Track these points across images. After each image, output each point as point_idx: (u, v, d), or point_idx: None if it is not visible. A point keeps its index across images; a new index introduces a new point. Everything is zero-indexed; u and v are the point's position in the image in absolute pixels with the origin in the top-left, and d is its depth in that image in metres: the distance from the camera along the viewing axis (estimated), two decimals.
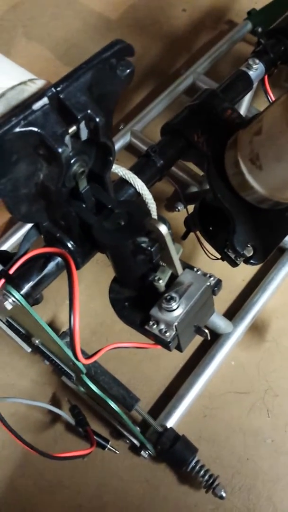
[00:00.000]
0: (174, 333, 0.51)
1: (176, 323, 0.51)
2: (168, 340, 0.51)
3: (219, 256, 0.75)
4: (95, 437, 0.77)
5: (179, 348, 0.54)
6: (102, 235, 0.50)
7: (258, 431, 0.83)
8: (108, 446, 0.78)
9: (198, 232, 0.83)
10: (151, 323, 0.52)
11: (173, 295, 0.51)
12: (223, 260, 0.75)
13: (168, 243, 0.47)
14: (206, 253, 0.82)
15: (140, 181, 0.59)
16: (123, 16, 1.39)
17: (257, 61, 0.70)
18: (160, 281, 0.52)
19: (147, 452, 0.77)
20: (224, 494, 0.73)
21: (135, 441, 0.77)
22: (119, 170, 0.59)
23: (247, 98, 0.78)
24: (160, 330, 0.52)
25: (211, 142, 0.63)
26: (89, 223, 0.51)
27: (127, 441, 0.78)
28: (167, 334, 0.51)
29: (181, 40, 1.32)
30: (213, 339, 0.87)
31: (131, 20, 1.37)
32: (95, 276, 0.94)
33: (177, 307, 0.51)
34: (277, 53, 0.72)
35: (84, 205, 0.52)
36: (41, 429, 0.82)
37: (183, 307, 0.51)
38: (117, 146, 1.06)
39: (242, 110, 0.79)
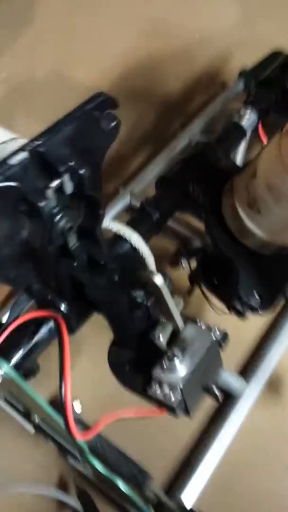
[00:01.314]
0: (180, 397, 0.46)
1: (181, 386, 0.46)
2: (174, 406, 0.46)
3: (226, 311, 0.71)
4: None
5: (187, 413, 0.49)
6: (95, 293, 0.47)
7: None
8: None
9: (203, 288, 0.80)
10: (154, 386, 0.47)
11: (176, 353, 0.47)
12: (230, 313, 0.71)
13: (165, 294, 0.43)
14: (213, 308, 0.78)
15: (136, 235, 0.56)
16: (118, 88, 1.44)
17: (248, 110, 0.69)
18: (161, 338, 0.48)
19: None
20: None
21: None
22: (113, 225, 0.57)
23: (242, 148, 0.78)
24: (165, 395, 0.47)
25: (207, 191, 0.61)
26: (82, 282, 0.48)
27: None
28: (173, 399, 0.46)
29: (176, 106, 1.35)
30: (230, 403, 0.80)
31: (126, 91, 1.42)
32: (101, 341, 0.89)
33: (181, 366, 0.46)
34: (267, 101, 0.72)
35: (75, 263, 0.49)
36: None
37: (187, 366, 0.47)
38: (117, 208, 1.05)
39: (238, 160, 0.78)
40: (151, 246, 1.05)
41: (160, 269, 0.65)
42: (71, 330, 0.52)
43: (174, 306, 0.45)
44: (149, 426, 0.80)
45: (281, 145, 0.47)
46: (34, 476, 0.77)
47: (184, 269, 0.98)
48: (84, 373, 0.85)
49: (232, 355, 0.87)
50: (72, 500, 0.69)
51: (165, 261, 1.02)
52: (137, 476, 0.71)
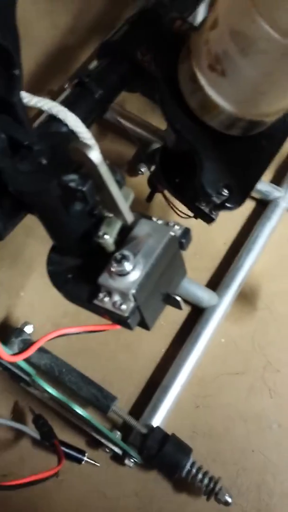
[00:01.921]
0: (132, 304, 0.37)
1: (133, 291, 0.37)
2: (126, 314, 0.37)
3: (191, 214, 0.62)
4: (68, 450, 0.63)
5: (144, 324, 0.41)
6: (16, 181, 0.36)
7: (261, 415, 0.70)
8: (85, 458, 0.64)
9: (165, 192, 0.70)
10: (101, 295, 0.39)
11: (126, 253, 0.37)
12: (196, 218, 0.61)
13: (104, 175, 0.33)
14: (176, 213, 0.69)
15: (72, 114, 0.45)
16: None
17: None
18: (106, 237, 0.38)
19: (132, 460, 0.63)
20: (229, 500, 0.60)
21: (116, 449, 0.63)
22: (43, 103, 0.45)
23: (201, 9, 0.64)
24: (114, 303, 0.38)
25: (160, 58, 0.49)
26: (0, 169, 0.37)
27: (107, 450, 0.64)
28: (123, 307, 0.37)
29: None
30: (197, 315, 0.74)
31: None
32: None
33: (133, 269, 0.37)
34: None
35: None
36: (5, 448, 0.68)
37: (140, 268, 0.38)
38: None
39: (197, 23, 0.64)
40: (105, 151, 0.95)
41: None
42: None
43: (118, 190, 0.35)
44: (110, 345, 0.73)
45: None
46: None
47: (144, 174, 0.87)
48: (37, 293, 0.77)
49: (200, 265, 0.79)
50: (26, 427, 0.63)
51: (123, 169, 0.91)
52: (99, 399, 0.65)
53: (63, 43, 1.01)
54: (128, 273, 0.37)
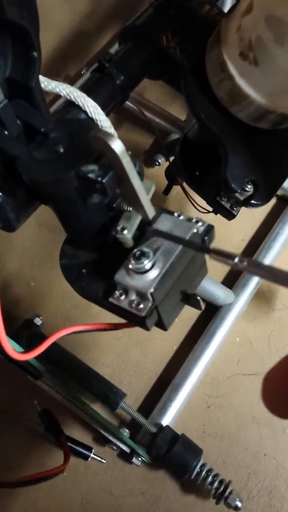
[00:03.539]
0: (150, 304, 0.35)
1: (151, 290, 0.35)
2: (143, 314, 0.35)
3: (210, 209, 0.60)
4: (74, 446, 0.62)
5: (161, 325, 0.38)
6: (32, 169, 0.34)
7: (274, 419, 0.67)
8: (92, 455, 0.63)
9: (183, 184, 0.68)
10: (117, 293, 0.36)
11: (145, 249, 0.35)
12: (216, 213, 0.59)
13: (126, 166, 0.31)
14: (194, 206, 0.66)
15: (91, 100, 0.42)
16: None
17: None
18: (125, 232, 0.36)
19: (139, 459, 0.62)
20: (239, 504, 0.58)
21: (124, 447, 0.62)
22: (62, 88, 0.43)
23: None
24: (131, 302, 0.36)
25: (186, 45, 0.47)
26: (14, 156, 0.35)
27: (115, 447, 0.63)
28: (141, 306, 0.35)
29: None
30: (212, 313, 0.72)
31: None
32: None
33: (152, 267, 0.35)
34: None
35: (6, 132, 0.36)
36: (10, 441, 0.67)
37: (160, 266, 0.35)
38: None
39: (227, 8, 0.61)
40: (122, 141, 0.92)
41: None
42: (10, 227, 0.40)
43: (140, 183, 0.32)
44: (121, 340, 0.71)
45: None
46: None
47: (160, 165, 0.85)
48: (47, 284, 0.75)
49: (217, 263, 0.77)
50: (33, 422, 0.62)
51: (139, 160, 0.89)
52: (109, 396, 0.63)
53: (80, 29, 0.98)
54: (146, 271, 0.35)
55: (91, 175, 0.32)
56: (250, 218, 0.80)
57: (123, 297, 0.36)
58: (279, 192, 0.80)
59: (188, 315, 0.73)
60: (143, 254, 0.35)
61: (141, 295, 0.35)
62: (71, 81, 0.90)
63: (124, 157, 0.30)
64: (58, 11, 1.00)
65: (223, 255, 0.28)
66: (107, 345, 0.71)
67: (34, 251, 0.78)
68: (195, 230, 0.37)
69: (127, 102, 0.84)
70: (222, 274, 0.76)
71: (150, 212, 0.35)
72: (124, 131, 0.89)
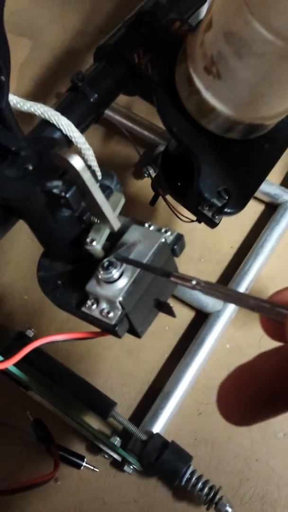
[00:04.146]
0: (120, 312, 0.37)
1: (120, 298, 0.36)
2: (113, 322, 0.36)
3: (194, 218, 0.61)
4: (66, 455, 0.63)
5: (134, 332, 0.40)
6: (3, 187, 0.36)
7: (266, 424, 0.68)
8: (84, 464, 0.64)
9: (168, 196, 0.69)
10: (89, 302, 0.38)
11: (113, 260, 0.37)
12: (199, 222, 0.60)
13: (87, 181, 0.32)
14: (178, 217, 0.68)
15: (65, 119, 0.44)
16: None
17: None
18: (94, 243, 0.37)
19: (131, 467, 0.63)
20: (230, 510, 0.58)
21: (116, 456, 0.63)
22: (37, 107, 0.45)
23: (203, 12, 0.63)
24: (102, 311, 0.37)
25: (157, 62, 0.48)
26: None
27: (107, 456, 0.64)
28: (111, 315, 0.37)
29: None
30: (202, 320, 0.73)
31: None
32: None
33: (120, 276, 0.36)
34: None
35: None
36: (4, 451, 0.68)
37: (128, 276, 0.37)
38: None
39: None
40: (112, 153, 0.94)
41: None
42: None
43: (102, 196, 0.34)
44: (113, 350, 0.72)
45: None
46: None
47: (149, 177, 0.87)
48: (40, 296, 0.76)
49: (206, 269, 0.78)
50: (26, 432, 0.63)
51: (129, 172, 0.90)
52: (98, 405, 0.65)
53: (71, 47, 1.01)
54: (115, 280, 0.36)
55: (55, 191, 0.34)
56: (238, 225, 0.81)
57: (94, 306, 0.38)
58: (266, 199, 0.81)
59: (178, 323, 0.74)
60: (111, 264, 0.36)
61: (111, 304, 0.37)
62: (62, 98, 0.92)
63: (84, 173, 0.32)
64: (49, 29, 1.03)
65: (182, 279, 0.30)
66: (98, 355, 0.72)
67: (27, 264, 0.79)
68: (163, 240, 0.39)
69: (115, 116, 0.86)
70: (212, 281, 0.77)
71: (115, 224, 0.37)
72: (115, 144, 0.91)
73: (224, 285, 0.27)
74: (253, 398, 0.22)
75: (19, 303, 0.77)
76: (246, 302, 0.25)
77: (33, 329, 0.70)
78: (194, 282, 0.29)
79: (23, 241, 0.81)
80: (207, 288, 0.28)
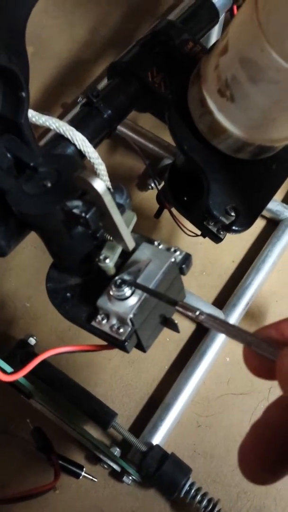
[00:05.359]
0: (129, 329, 0.37)
1: (131, 315, 0.37)
2: (123, 338, 0.37)
3: (199, 233, 0.62)
4: (66, 464, 0.63)
5: (140, 347, 0.40)
6: (19, 203, 0.36)
7: None
8: (83, 473, 0.64)
9: (173, 209, 0.70)
10: (99, 317, 0.38)
11: (125, 277, 0.37)
12: (204, 237, 0.61)
13: (108, 204, 0.33)
14: (183, 231, 0.69)
15: (80, 134, 0.45)
16: None
17: None
18: (107, 261, 0.38)
19: (130, 478, 0.63)
20: None
21: (115, 466, 0.63)
22: (52, 122, 0.45)
23: (215, 33, 0.64)
24: (112, 326, 0.38)
25: (170, 80, 0.49)
26: (4, 189, 0.37)
27: (106, 466, 0.64)
28: (121, 330, 0.37)
29: (144, 5, 1.18)
30: (203, 333, 0.73)
31: None
32: None
33: (132, 294, 0.37)
34: None
35: None
36: (4, 459, 0.68)
37: (139, 294, 0.37)
38: None
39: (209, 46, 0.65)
40: (116, 165, 0.95)
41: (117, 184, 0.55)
42: (1, 253, 0.43)
43: (120, 219, 0.35)
44: (114, 360, 0.73)
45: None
46: None
47: (153, 189, 0.88)
48: (43, 304, 0.77)
49: (208, 283, 0.79)
50: (26, 440, 0.63)
51: (133, 183, 0.91)
52: (99, 415, 0.65)
53: (79, 57, 1.02)
54: (127, 297, 0.37)
55: (75, 210, 0.34)
56: (240, 240, 0.82)
57: (104, 321, 0.38)
58: (268, 215, 0.82)
59: (180, 335, 0.75)
60: (124, 282, 0.37)
61: (122, 320, 0.37)
62: (68, 108, 0.93)
63: (106, 196, 0.33)
64: (57, 40, 1.04)
65: (186, 309, 0.31)
66: (99, 365, 0.72)
67: (30, 272, 0.80)
68: (173, 260, 0.40)
69: (121, 129, 0.87)
70: (213, 295, 0.78)
71: (130, 244, 0.38)
72: (120, 155, 0.92)
73: (227, 321, 0.27)
74: (274, 453, 0.21)
75: (21, 311, 0.77)
76: (244, 338, 0.25)
77: (34, 337, 0.70)
78: (197, 313, 0.30)
79: (26, 249, 0.81)
80: (209, 320, 0.29)
